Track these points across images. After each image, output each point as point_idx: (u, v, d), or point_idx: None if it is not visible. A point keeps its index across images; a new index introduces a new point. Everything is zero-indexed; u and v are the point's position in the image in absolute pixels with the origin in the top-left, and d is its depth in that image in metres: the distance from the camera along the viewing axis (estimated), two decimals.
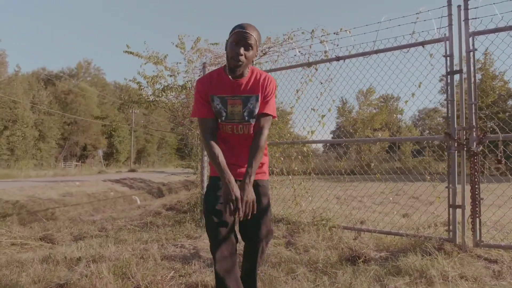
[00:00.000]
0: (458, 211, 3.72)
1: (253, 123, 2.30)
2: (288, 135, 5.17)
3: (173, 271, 3.19)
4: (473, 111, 3.62)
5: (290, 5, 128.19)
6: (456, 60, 3.77)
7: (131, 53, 6.30)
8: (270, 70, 5.03)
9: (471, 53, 3.63)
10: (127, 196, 16.97)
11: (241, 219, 2.10)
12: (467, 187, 3.63)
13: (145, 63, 6.26)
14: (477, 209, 3.57)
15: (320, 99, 4.80)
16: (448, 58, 3.78)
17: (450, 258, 3.25)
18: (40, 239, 5.26)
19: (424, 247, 3.47)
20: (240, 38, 2.14)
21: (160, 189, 20.19)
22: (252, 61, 2.29)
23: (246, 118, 2.28)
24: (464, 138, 3.68)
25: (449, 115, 3.77)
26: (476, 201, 3.57)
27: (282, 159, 5.31)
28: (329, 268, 3.28)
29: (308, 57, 4.85)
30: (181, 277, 3.08)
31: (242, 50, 2.14)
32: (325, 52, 4.73)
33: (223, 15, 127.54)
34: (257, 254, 2.30)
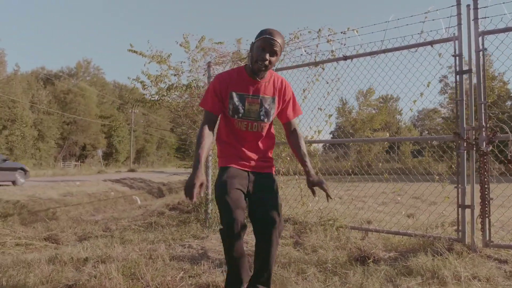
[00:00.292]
0: (467, 211, 3.70)
1: (267, 123, 2.46)
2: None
3: (182, 272, 3.17)
4: (483, 110, 3.61)
5: (290, 5, 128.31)
6: (465, 60, 3.75)
7: (134, 52, 6.27)
8: (277, 70, 5.01)
9: (481, 53, 3.62)
10: (127, 196, 16.94)
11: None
12: (476, 187, 3.62)
13: (149, 62, 6.24)
14: (486, 209, 3.55)
15: (327, 99, 4.79)
16: (457, 57, 3.77)
17: (461, 259, 3.24)
18: (44, 239, 5.23)
19: (434, 248, 3.46)
20: (266, 44, 2.26)
21: (160, 189, 20.18)
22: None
23: (262, 117, 2.43)
24: (474, 138, 3.67)
25: (458, 114, 3.76)
26: (485, 201, 3.55)
27: (288, 158, 5.29)
28: (339, 269, 3.26)
29: (315, 57, 4.83)
30: (191, 278, 3.06)
31: (267, 56, 2.27)
32: (332, 51, 4.71)
33: (223, 15, 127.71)
34: (273, 246, 2.33)
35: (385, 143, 23.36)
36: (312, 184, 2.45)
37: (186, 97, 6.50)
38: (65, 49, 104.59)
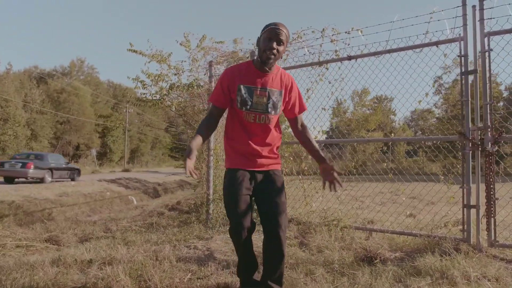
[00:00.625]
0: (472, 211, 3.72)
1: (274, 115, 2.52)
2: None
3: (190, 273, 3.15)
4: (488, 111, 3.62)
5: (290, 5, 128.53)
6: (470, 60, 3.76)
7: (134, 51, 6.22)
8: None
9: (487, 53, 3.64)
10: (123, 196, 16.84)
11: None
12: (482, 187, 3.63)
13: (149, 62, 6.19)
14: (492, 209, 3.57)
15: (331, 99, 4.79)
16: (462, 58, 3.78)
17: (468, 259, 3.25)
18: (45, 240, 5.17)
19: (443, 248, 3.46)
20: (273, 34, 2.37)
21: (156, 189, 20.08)
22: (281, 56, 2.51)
23: (269, 110, 2.49)
24: (479, 138, 3.68)
25: (464, 115, 3.77)
26: (491, 201, 3.57)
27: (291, 158, 5.28)
28: (346, 269, 3.26)
29: (319, 56, 4.83)
30: (199, 280, 3.04)
31: (275, 45, 2.36)
32: (336, 51, 4.70)
33: (223, 15, 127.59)
34: (281, 242, 2.44)
35: (380, 145, 23.48)
36: (326, 171, 2.48)
37: (185, 96, 6.47)
38: (60, 48, 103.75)
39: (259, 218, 2.58)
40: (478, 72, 3.72)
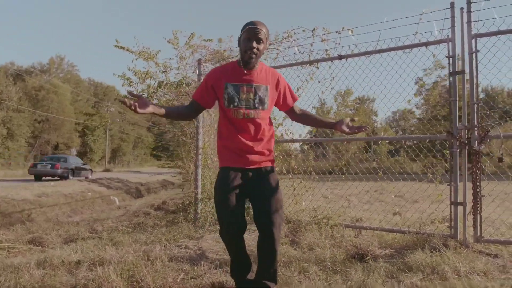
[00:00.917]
0: (459, 208, 3.80)
1: (262, 110, 2.53)
2: (290, 133, 5.16)
3: (183, 273, 3.13)
4: (475, 110, 3.71)
5: (290, 5, 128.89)
6: (458, 61, 3.85)
7: (121, 47, 6.13)
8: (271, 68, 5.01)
9: (474, 55, 3.73)
10: (105, 196, 16.60)
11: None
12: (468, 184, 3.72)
13: (136, 59, 6.11)
14: (478, 206, 3.66)
15: (321, 98, 4.83)
16: (450, 59, 3.87)
17: (456, 254, 3.32)
18: (28, 242, 5.04)
19: (432, 244, 3.53)
20: (251, 33, 2.40)
21: (138, 189, 19.84)
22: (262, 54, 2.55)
23: (257, 105, 2.51)
24: (466, 137, 3.77)
25: (452, 114, 3.86)
26: (477, 198, 3.66)
27: (281, 157, 5.30)
28: (338, 266, 3.29)
29: (309, 56, 4.86)
30: (192, 279, 3.02)
31: (254, 44, 2.40)
32: (326, 50, 4.75)
33: (223, 15, 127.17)
34: (275, 240, 2.45)
35: (363, 142, 23.72)
36: (344, 126, 2.56)
37: (173, 94, 6.42)
38: (38, 46, 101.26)
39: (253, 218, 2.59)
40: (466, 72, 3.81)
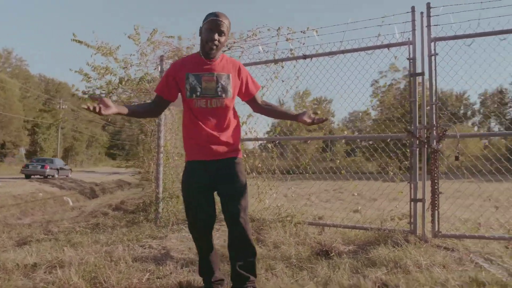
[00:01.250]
0: (419, 204, 3.95)
1: (225, 98, 2.49)
2: (254, 131, 5.16)
3: (148, 273, 3.04)
4: (434, 111, 3.87)
5: (255, 2, 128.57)
6: (418, 63, 3.99)
7: (79, 42, 5.89)
8: None
9: (433, 57, 3.88)
10: (57, 197, 15.95)
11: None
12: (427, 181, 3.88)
13: (95, 54, 5.89)
14: (436, 202, 3.82)
15: (286, 96, 4.87)
16: (411, 61, 4.01)
17: (417, 248, 3.45)
18: None
19: (394, 239, 3.65)
20: (214, 25, 2.39)
21: (93, 189, 19.23)
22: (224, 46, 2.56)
23: (219, 93, 2.48)
24: (425, 136, 3.92)
25: (412, 114, 3.99)
26: (435, 194, 3.82)
27: (244, 156, 5.27)
28: (304, 263, 3.32)
29: (274, 55, 4.88)
30: (158, 279, 2.94)
31: (216, 36, 2.40)
32: (291, 50, 4.78)
33: (187, 10, 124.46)
34: (243, 228, 2.43)
35: (319, 143, 24.23)
36: (306, 117, 2.50)
37: (132, 92, 6.24)
38: None
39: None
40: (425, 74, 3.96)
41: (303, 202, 7.70)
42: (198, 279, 2.83)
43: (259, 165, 5.15)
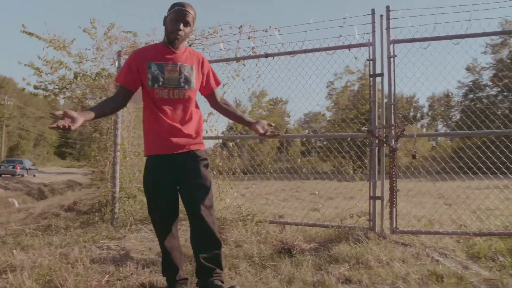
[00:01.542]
0: (377, 202, 4.05)
1: (188, 89, 2.46)
2: (215, 130, 5.09)
3: (107, 275, 2.91)
4: (392, 111, 3.99)
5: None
6: (378, 64, 4.09)
7: (30, 34, 5.58)
8: None
9: (392, 59, 4.00)
10: (1, 198, 15.03)
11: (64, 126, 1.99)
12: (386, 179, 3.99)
13: (47, 47, 5.60)
14: (394, 199, 3.93)
15: (247, 95, 4.85)
16: (371, 62, 4.11)
17: (376, 245, 3.53)
18: None
19: (355, 236, 3.72)
20: (179, 15, 2.35)
21: (41, 190, 18.29)
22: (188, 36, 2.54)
23: (182, 84, 2.45)
24: (384, 135, 4.03)
25: (371, 114, 4.10)
26: (393, 192, 3.93)
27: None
28: (267, 261, 3.31)
29: (236, 53, 4.84)
30: (119, 281, 2.82)
31: (181, 26, 2.36)
32: (253, 48, 4.77)
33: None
34: (205, 220, 2.37)
35: (276, 143, 24.51)
36: (261, 127, 2.47)
37: (85, 88, 5.98)
38: None
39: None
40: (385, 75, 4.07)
41: (262, 201, 7.74)
42: (161, 280, 2.74)
43: (220, 163, 5.09)
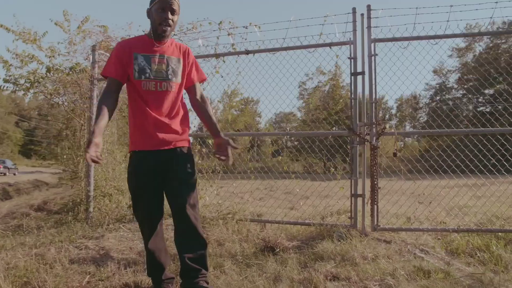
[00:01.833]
0: (359, 200, 4.09)
1: (175, 82, 2.40)
2: (194, 126, 5.01)
3: (88, 276, 2.80)
4: (373, 109, 4.03)
5: None
6: (359, 63, 4.12)
7: None
8: None
9: (373, 58, 4.04)
10: None
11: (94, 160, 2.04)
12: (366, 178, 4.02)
13: (17, 39, 5.34)
14: (375, 197, 3.98)
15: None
16: (352, 60, 4.13)
17: (360, 242, 3.56)
18: None
19: (339, 233, 3.73)
20: (165, 4, 2.30)
21: (5, 190, 17.48)
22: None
23: (170, 76, 2.39)
24: (365, 133, 4.07)
25: (353, 112, 4.12)
26: (375, 190, 3.97)
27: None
28: (251, 260, 3.28)
29: (215, 49, 4.77)
30: (101, 281, 2.72)
31: (169, 15, 2.31)
32: (233, 45, 4.71)
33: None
34: (190, 219, 2.29)
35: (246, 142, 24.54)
36: (221, 146, 2.38)
37: (58, 83, 5.75)
38: None
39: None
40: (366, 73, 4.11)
41: (237, 199, 7.67)
42: (145, 280, 2.66)
43: (199, 161, 5.01)
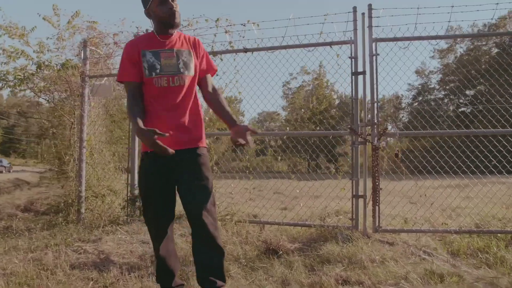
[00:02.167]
0: (360, 200, 4.06)
1: (188, 75, 2.28)
2: None
3: (91, 282, 2.69)
4: (375, 109, 4.00)
5: None
6: (360, 62, 4.09)
7: None
8: None
9: (374, 57, 4.01)
10: None
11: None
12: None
13: (4, 34, 5.14)
14: (377, 198, 3.95)
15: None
16: (353, 59, 4.10)
17: (365, 244, 3.52)
18: None
19: (344, 235, 3.69)
20: None
21: None
22: None
23: (181, 69, 2.28)
24: (367, 133, 4.04)
25: (353, 112, 4.09)
26: (376, 190, 3.95)
27: None
28: (256, 263, 3.22)
29: (212, 47, 4.67)
30: None
31: (174, 3, 2.24)
32: (230, 42, 4.63)
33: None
34: (207, 227, 2.16)
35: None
36: (239, 133, 2.19)
37: (48, 80, 5.56)
38: None
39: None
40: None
41: (228, 200, 7.57)
42: (153, 286, 2.56)
43: None
